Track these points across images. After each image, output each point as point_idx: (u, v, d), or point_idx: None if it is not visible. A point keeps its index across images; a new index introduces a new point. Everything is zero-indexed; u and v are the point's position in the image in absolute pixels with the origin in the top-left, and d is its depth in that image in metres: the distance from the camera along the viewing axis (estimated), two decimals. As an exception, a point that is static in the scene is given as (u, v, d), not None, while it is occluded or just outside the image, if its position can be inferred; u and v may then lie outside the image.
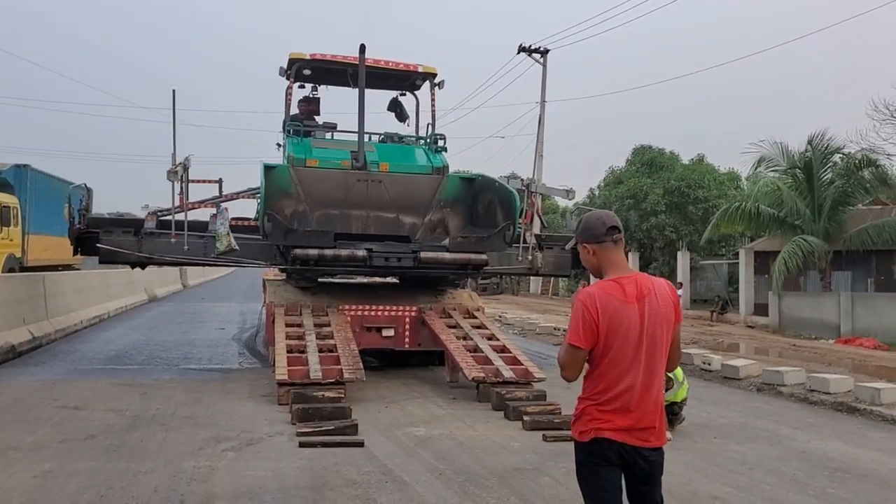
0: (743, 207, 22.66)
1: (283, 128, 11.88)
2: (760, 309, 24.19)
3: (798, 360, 13.35)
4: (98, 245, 10.48)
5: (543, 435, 7.12)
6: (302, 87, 12.41)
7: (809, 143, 22.23)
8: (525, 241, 11.31)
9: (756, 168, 24.01)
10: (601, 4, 26.97)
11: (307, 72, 11.76)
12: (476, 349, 9.79)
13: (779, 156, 22.87)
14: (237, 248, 10.22)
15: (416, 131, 12.74)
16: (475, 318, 11.11)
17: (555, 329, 18.20)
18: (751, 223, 23.32)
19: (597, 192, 39.92)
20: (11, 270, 19.21)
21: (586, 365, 3.14)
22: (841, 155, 22.41)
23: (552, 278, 39.02)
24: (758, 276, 25.41)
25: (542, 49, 29.54)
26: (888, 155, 23.26)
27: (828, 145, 22.07)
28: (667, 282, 3.25)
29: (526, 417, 7.67)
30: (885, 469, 6.46)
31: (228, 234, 10.18)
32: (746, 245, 27.34)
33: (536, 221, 11.74)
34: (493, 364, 9.24)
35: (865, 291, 22.30)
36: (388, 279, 13.86)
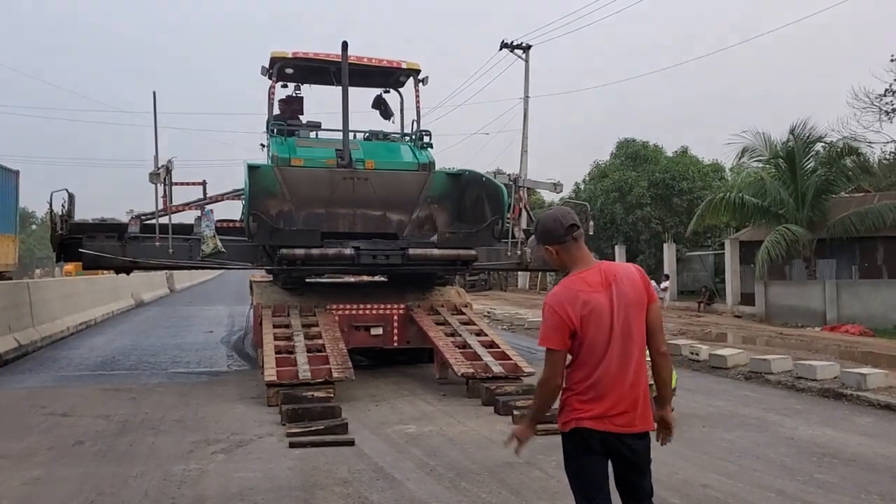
0: (727, 198, 22.77)
1: (267, 128, 11.83)
2: (747, 299, 24.33)
3: (785, 348, 13.45)
4: (81, 250, 10.40)
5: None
6: (285, 86, 12.36)
7: (792, 132, 22.37)
8: (514, 236, 11.31)
9: (739, 158, 24.15)
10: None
11: (290, 70, 11.71)
12: (465, 345, 9.81)
13: (762, 146, 23.00)
14: (224, 250, 10.17)
15: (402, 128, 12.72)
16: (463, 314, 11.12)
17: (543, 323, 18.20)
18: (735, 213, 23.44)
19: (582, 187, 40.01)
20: None
21: (568, 357, 3.15)
22: (823, 144, 22.58)
23: (540, 273, 39.15)
24: (744, 266, 25.55)
25: (524, 45, 29.69)
26: (869, 143, 23.53)
27: (810, 134, 22.22)
28: (634, 266, 3.27)
29: (516, 412, 7.69)
30: (871, 453, 6.52)
31: (214, 235, 10.13)
32: (732, 235, 27.48)
33: (524, 216, 11.75)
34: (482, 360, 9.26)
35: (850, 279, 22.47)
36: (377, 277, 13.85)
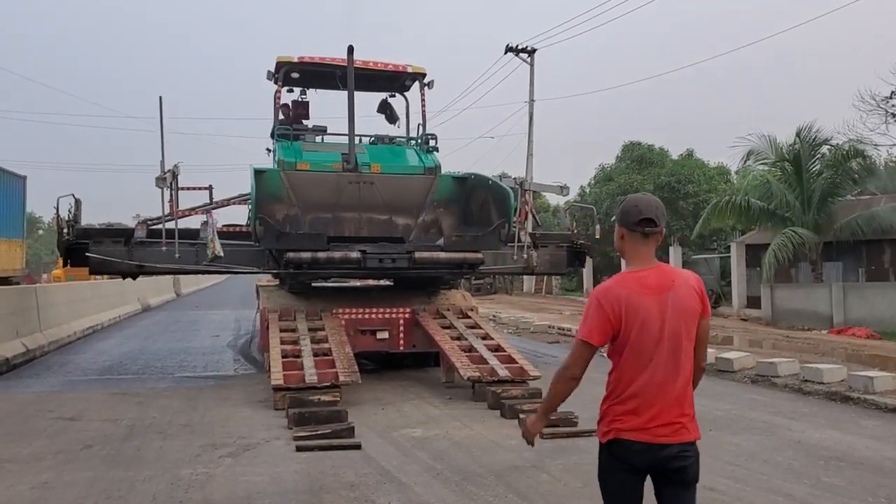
0: (733, 201, 22.72)
1: (273, 132, 11.86)
2: (753, 302, 24.26)
3: (791, 352, 13.41)
4: (88, 255, 10.44)
5: (540, 432, 7.12)
6: (290, 91, 12.40)
7: (797, 135, 22.31)
8: (520, 240, 11.29)
9: (745, 161, 24.07)
10: (588, 2, 27.06)
11: (295, 75, 11.75)
12: (471, 349, 9.81)
13: (767, 149, 22.94)
14: (222, 254, 10.15)
15: (407, 132, 12.75)
16: (469, 318, 11.12)
17: (549, 327, 18.20)
18: (741, 217, 23.38)
19: (587, 190, 39.99)
20: None
21: (608, 362, 3.01)
22: (829, 146, 22.50)
23: (546, 277, 39.12)
24: (750, 269, 25.49)
25: (529, 49, 29.71)
26: (875, 145, 23.41)
27: (815, 137, 22.15)
28: (694, 276, 3.06)
29: (522, 415, 7.66)
30: (879, 456, 6.50)
31: (213, 240, 10.13)
32: (738, 239, 27.41)
33: (530, 219, 11.73)
34: (488, 363, 9.26)
35: (856, 281, 22.39)
36: (382, 281, 13.86)
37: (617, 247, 3.11)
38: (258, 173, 10.32)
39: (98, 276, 18.99)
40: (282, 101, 12.10)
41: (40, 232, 71.15)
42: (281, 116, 12.14)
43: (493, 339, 10.31)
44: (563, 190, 12.43)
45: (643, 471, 2.92)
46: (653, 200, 3.03)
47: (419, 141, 12.17)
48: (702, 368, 3.08)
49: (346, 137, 10.59)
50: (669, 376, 2.89)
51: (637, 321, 2.86)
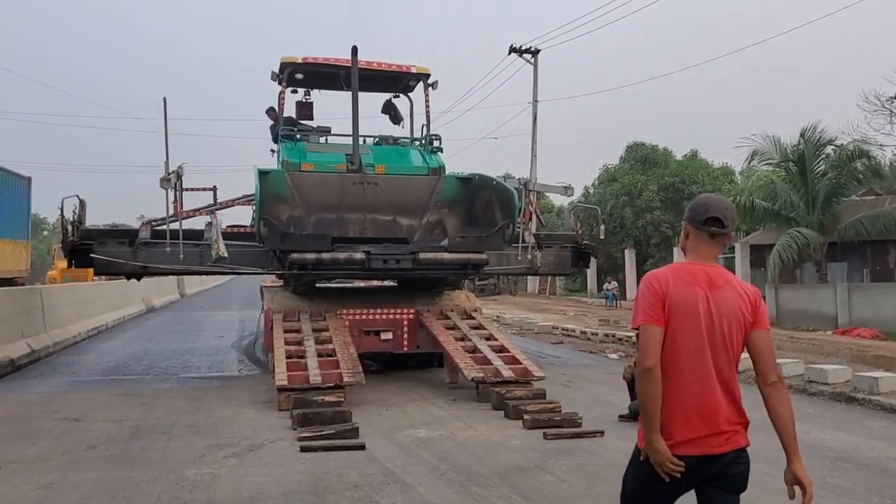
0: (737, 202, 22.69)
1: (277, 133, 11.86)
2: (758, 302, 24.21)
3: (796, 352, 13.38)
4: (92, 256, 10.46)
5: (544, 433, 7.12)
6: (294, 91, 12.40)
7: (802, 135, 22.30)
8: (524, 241, 11.27)
9: (749, 162, 24.09)
10: (592, 3, 27.05)
11: (299, 76, 11.74)
12: (475, 350, 9.80)
13: (772, 149, 22.93)
14: (226, 255, 10.17)
15: (411, 132, 12.74)
16: (473, 318, 11.12)
17: (553, 328, 18.19)
18: (746, 217, 23.37)
19: (591, 190, 39.98)
20: None
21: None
22: (833, 147, 22.49)
23: (549, 277, 39.10)
24: (754, 270, 25.48)
25: (532, 49, 29.71)
26: (880, 145, 23.37)
27: (820, 137, 22.14)
28: (753, 287, 2.87)
29: (526, 416, 7.68)
30: (884, 457, 6.49)
31: (217, 241, 10.14)
32: (742, 239, 27.39)
33: (534, 220, 11.72)
34: (492, 364, 9.26)
35: (861, 282, 22.36)
36: (386, 282, 13.86)
37: (680, 244, 3.00)
38: (262, 174, 10.32)
39: (97, 277, 19.05)
40: (283, 103, 12.06)
41: (45, 233, 71.35)
42: (288, 115, 12.13)
43: (496, 339, 10.30)
44: (567, 190, 12.42)
45: (684, 482, 2.76)
46: (723, 201, 2.92)
47: (423, 141, 12.16)
48: (770, 384, 2.82)
49: (351, 138, 10.59)
50: (711, 379, 2.73)
51: (680, 308, 2.70)
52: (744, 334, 2.77)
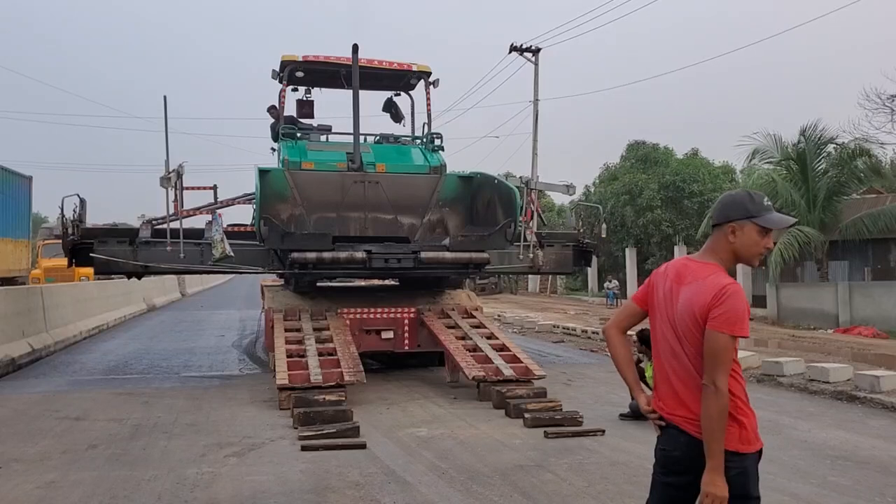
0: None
1: (277, 131, 11.85)
2: (759, 301, 24.22)
3: (797, 351, 13.38)
4: (93, 255, 10.45)
5: (545, 431, 7.12)
6: (295, 90, 12.39)
7: (802, 133, 22.29)
8: (526, 239, 11.27)
9: (750, 160, 24.10)
10: (593, 1, 27.01)
11: (300, 74, 11.73)
12: (475, 348, 9.79)
13: (772, 147, 22.93)
14: (232, 254, 10.16)
15: (412, 131, 12.72)
16: (474, 317, 11.10)
17: (554, 327, 18.18)
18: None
19: (592, 189, 39.96)
20: None
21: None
22: (834, 145, 22.49)
23: (551, 276, 39.11)
24: (755, 268, 25.43)
25: (533, 48, 29.67)
26: (881, 144, 23.38)
27: (821, 136, 22.14)
28: (723, 287, 2.72)
29: (527, 415, 7.67)
30: (885, 456, 6.48)
31: (222, 240, 10.14)
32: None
33: (536, 219, 11.70)
34: (493, 363, 9.25)
35: (862, 280, 22.34)
36: (387, 281, 13.85)
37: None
38: (263, 173, 10.32)
39: (86, 277, 18.94)
40: (284, 101, 12.05)
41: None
42: (288, 114, 12.12)
43: (497, 338, 10.29)
44: (568, 189, 12.38)
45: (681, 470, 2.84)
46: (723, 196, 3.01)
47: (424, 140, 12.15)
48: (703, 385, 2.72)
49: (351, 136, 10.58)
50: (666, 368, 2.88)
51: (652, 298, 2.97)
52: (699, 331, 2.75)
